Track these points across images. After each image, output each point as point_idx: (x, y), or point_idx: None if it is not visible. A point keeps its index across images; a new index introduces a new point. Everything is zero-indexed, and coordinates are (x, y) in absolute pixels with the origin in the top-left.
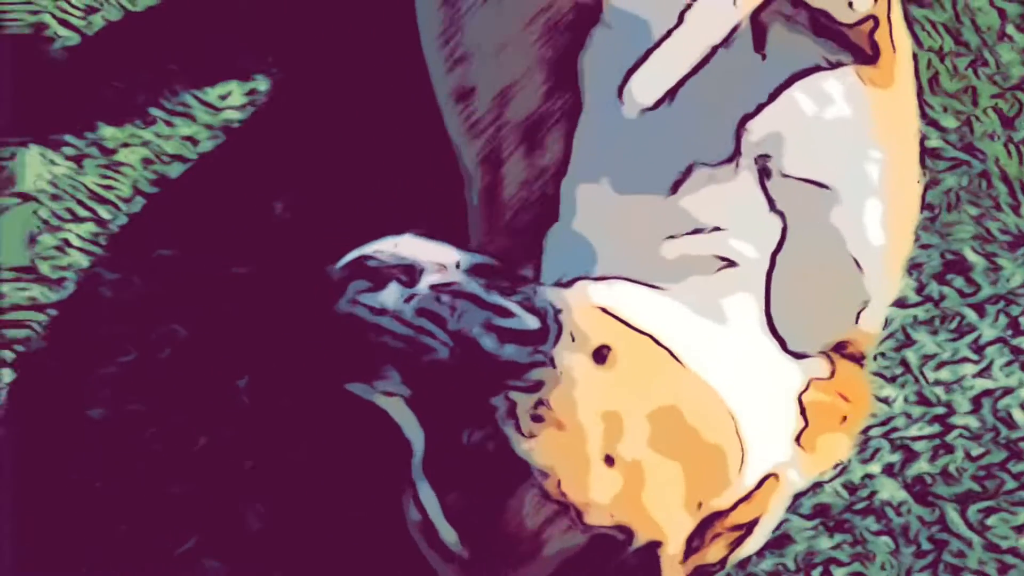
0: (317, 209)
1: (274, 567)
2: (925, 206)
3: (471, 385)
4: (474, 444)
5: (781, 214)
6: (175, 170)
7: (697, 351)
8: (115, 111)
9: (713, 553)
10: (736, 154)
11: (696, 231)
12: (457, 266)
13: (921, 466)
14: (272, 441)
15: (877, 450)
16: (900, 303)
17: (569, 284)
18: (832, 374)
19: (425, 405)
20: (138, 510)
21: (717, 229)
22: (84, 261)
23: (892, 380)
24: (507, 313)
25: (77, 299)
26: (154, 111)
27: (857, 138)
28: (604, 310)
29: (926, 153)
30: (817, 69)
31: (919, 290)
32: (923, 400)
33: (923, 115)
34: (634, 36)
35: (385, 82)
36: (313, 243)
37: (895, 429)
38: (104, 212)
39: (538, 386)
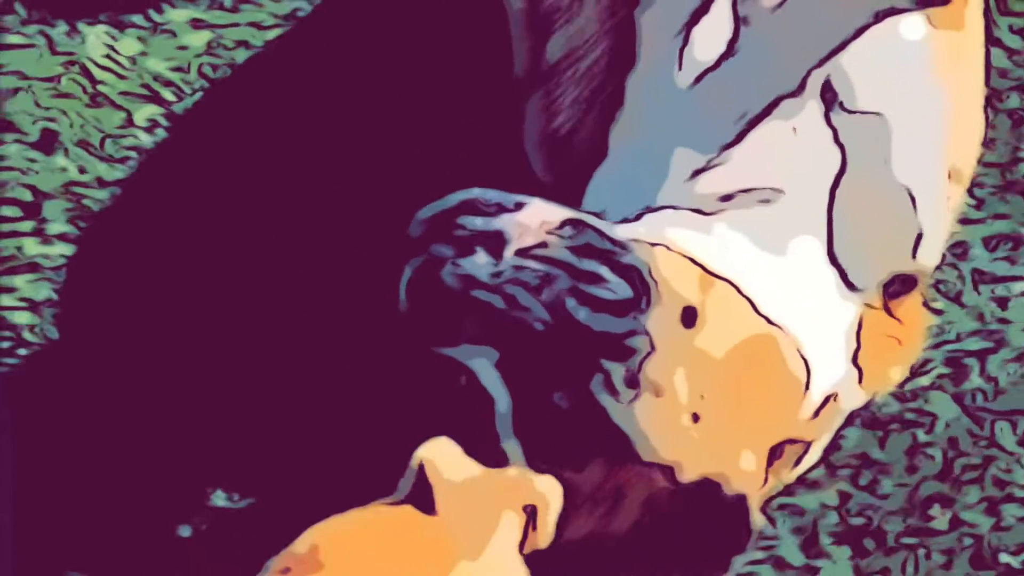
0: (379, 103)
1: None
2: (989, 125)
3: (563, 353)
4: (565, 408)
5: (841, 147)
6: (240, 55)
7: (761, 281)
8: None
9: (776, 476)
10: (800, 90)
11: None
12: (541, 224)
13: (972, 381)
14: (344, 403)
15: (928, 362)
16: (959, 219)
17: (637, 218)
18: (886, 303)
19: (513, 367)
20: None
21: (767, 164)
22: (147, 141)
23: (946, 295)
24: (598, 279)
25: (139, 178)
26: None
27: (921, 77)
28: (684, 255)
29: (990, 72)
30: (890, 13)
31: (978, 207)
32: (976, 315)
33: (989, 34)
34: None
35: None
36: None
37: (947, 342)
38: (168, 94)
39: (633, 354)
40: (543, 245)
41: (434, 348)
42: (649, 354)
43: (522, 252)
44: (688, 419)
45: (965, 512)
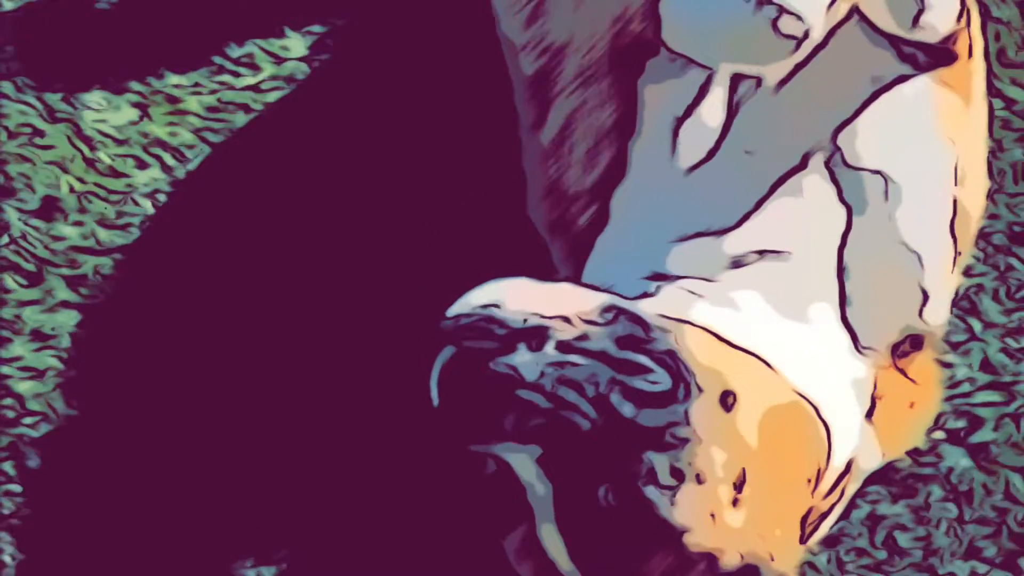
0: (381, 167)
1: None
2: (992, 177)
3: (606, 447)
4: (609, 501)
5: (848, 206)
6: (240, 119)
7: (780, 347)
8: (179, 59)
9: (805, 545)
10: (803, 165)
11: (734, 227)
12: (578, 314)
13: (985, 434)
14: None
15: (941, 416)
16: (965, 272)
17: (656, 291)
18: (896, 363)
19: (555, 462)
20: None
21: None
22: (148, 207)
23: (956, 347)
24: (639, 369)
25: (141, 244)
26: (219, 60)
27: (925, 136)
28: (710, 331)
29: (993, 124)
30: (897, 81)
31: (984, 259)
32: (988, 368)
33: (990, 87)
34: (692, 77)
35: (453, 35)
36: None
37: (960, 396)
38: (169, 159)
39: (677, 445)
40: (583, 337)
41: (472, 446)
42: (692, 442)
43: (563, 346)
44: (729, 504)
45: (982, 566)
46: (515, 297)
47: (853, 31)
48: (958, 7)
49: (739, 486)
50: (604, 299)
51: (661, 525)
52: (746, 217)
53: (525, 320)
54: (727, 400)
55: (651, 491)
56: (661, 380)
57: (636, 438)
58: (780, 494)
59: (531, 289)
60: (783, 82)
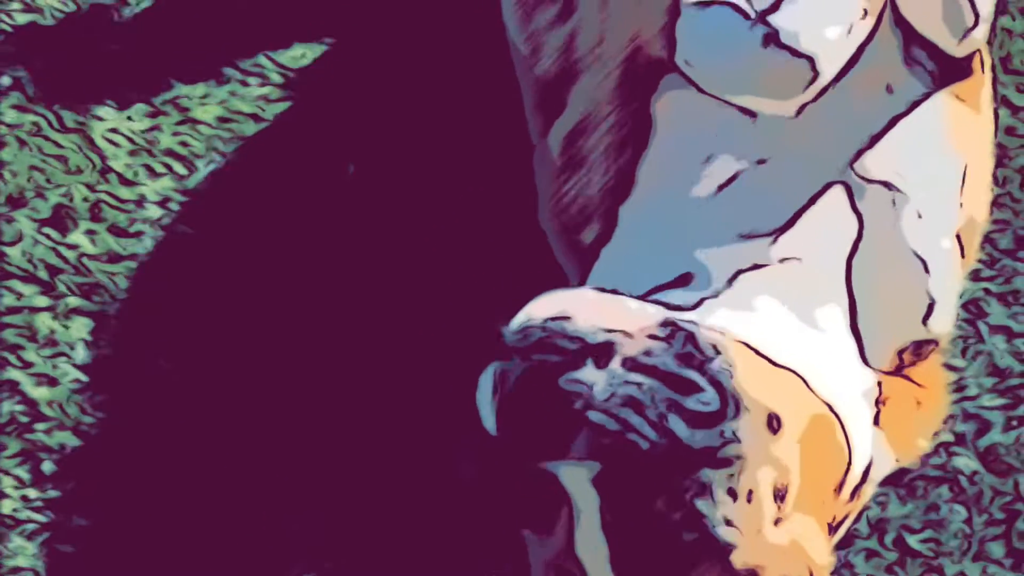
0: (390, 174)
1: None
2: (999, 183)
3: (663, 465)
4: (662, 516)
5: (859, 215)
6: (250, 129)
7: (802, 356)
8: (189, 70)
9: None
10: (824, 190)
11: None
12: (641, 330)
13: (994, 436)
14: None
15: (950, 418)
16: (973, 276)
17: (697, 306)
18: (901, 369)
19: (611, 478)
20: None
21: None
22: (160, 215)
23: (964, 351)
24: (692, 388)
25: (153, 252)
26: (228, 70)
27: (935, 145)
28: (750, 347)
29: (998, 131)
30: (923, 100)
31: (991, 264)
32: (995, 371)
33: (995, 94)
34: (706, 96)
35: (461, 43)
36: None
37: (968, 399)
38: (180, 168)
39: (728, 464)
40: (647, 353)
41: (540, 464)
42: (742, 461)
43: (628, 362)
44: (772, 521)
45: (992, 567)
46: (585, 310)
47: (875, 52)
48: (988, 24)
49: (780, 505)
50: (662, 313)
51: (708, 541)
52: (773, 232)
53: (595, 334)
54: (772, 419)
55: (702, 508)
56: (711, 400)
57: (690, 456)
58: (815, 507)
59: (598, 301)
60: (799, 112)
